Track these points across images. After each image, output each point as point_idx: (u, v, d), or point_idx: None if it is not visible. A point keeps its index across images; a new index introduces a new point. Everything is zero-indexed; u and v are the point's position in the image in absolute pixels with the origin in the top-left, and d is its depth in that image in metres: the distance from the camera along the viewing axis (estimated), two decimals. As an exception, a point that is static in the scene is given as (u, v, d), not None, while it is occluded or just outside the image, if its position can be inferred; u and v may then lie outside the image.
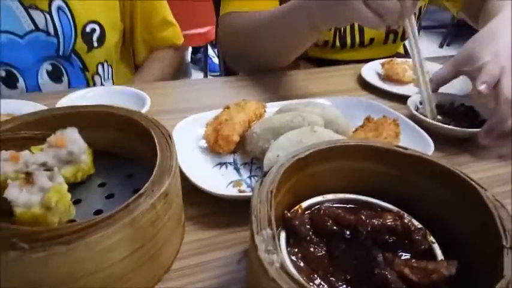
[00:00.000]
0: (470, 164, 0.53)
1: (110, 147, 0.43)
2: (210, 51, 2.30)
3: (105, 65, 0.82)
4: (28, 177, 0.35)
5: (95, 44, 0.77)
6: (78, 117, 0.42)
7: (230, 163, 0.49)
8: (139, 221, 0.30)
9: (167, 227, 0.34)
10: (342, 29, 0.90)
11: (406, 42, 0.93)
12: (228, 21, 0.81)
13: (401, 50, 1.05)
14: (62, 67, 0.76)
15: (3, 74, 0.71)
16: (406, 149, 0.38)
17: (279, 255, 0.27)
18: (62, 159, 0.39)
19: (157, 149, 0.36)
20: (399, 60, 0.75)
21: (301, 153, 0.36)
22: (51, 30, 0.72)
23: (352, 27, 0.90)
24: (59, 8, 0.72)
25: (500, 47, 0.56)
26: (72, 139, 0.41)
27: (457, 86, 0.64)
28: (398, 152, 0.38)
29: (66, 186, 0.36)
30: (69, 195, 0.36)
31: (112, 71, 0.84)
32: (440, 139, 0.53)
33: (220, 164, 0.49)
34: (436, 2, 0.95)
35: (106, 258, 0.29)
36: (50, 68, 0.75)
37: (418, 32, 0.61)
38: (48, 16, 0.71)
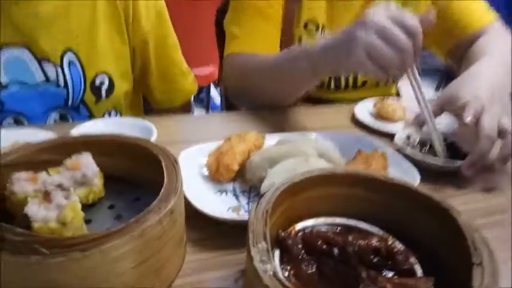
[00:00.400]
0: (456, 196, 0.56)
1: (120, 172, 0.47)
2: (213, 91, 2.38)
3: (113, 112, 0.84)
4: (46, 196, 0.39)
5: (104, 95, 0.80)
6: (92, 144, 0.46)
7: (230, 190, 0.52)
8: (147, 234, 0.33)
9: (171, 243, 0.37)
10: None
11: (411, 90, 0.99)
12: (232, 61, 0.87)
13: (393, 92, 1.10)
14: (69, 117, 0.79)
15: (12, 121, 0.74)
16: (390, 178, 0.42)
17: (272, 264, 0.30)
18: (77, 181, 0.43)
19: (164, 172, 0.40)
20: (390, 99, 0.80)
21: (295, 178, 0.40)
22: (62, 82, 0.75)
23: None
24: (70, 61, 0.75)
25: (480, 89, 0.61)
26: (86, 163, 0.44)
27: (443, 123, 0.68)
28: (382, 180, 0.41)
29: (80, 205, 0.39)
30: (82, 213, 0.39)
31: (120, 116, 0.86)
32: (429, 172, 0.57)
33: (221, 191, 0.52)
34: (428, 48, 1.01)
35: (116, 266, 0.32)
36: (57, 117, 0.78)
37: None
38: (59, 69, 0.74)
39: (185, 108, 0.96)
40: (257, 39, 0.86)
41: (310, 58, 0.69)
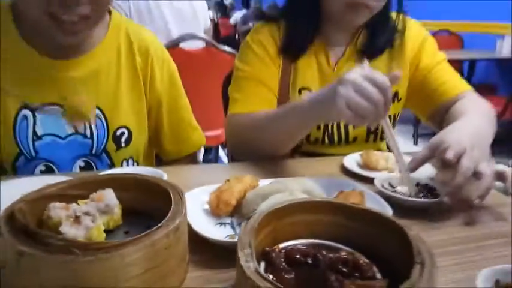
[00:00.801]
0: (435, 230, 0.64)
1: (135, 204, 0.56)
2: (220, 152, 2.51)
3: (130, 161, 0.95)
4: (76, 219, 0.48)
5: (123, 145, 0.91)
6: (113, 181, 0.56)
7: (228, 223, 0.61)
8: (156, 244, 0.42)
9: (176, 256, 0.45)
10: (330, 129, 1.06)
11: (386, 138, 1.09)
12: (233, 120, 1.00)
13: (383, 148, 1.20)
14: (92, 163, 0.90)
15: (43, 168, 0.85)
16: (359, 206, 0.50)
17: (254, 263, 0.38)
18: (100, 210, 0.52)
19: (172, 200, 0.49)
20: (375, 151, 0.90)
21: (279, 205, 0.49)
22: (88, 134, 0.87)
23: (338, 127, 1.07)
24: (96, 116, 0.87)
25: (462, 136, 0.70)
26: (108, 197, 0.54)
27: (429, 171, 0.77)
28: (353, 208, 0.50)
29: (103, 227, 0.48)
30: (104, 234, 0.48)
31: (136, 165, 0.97)
32: (411, 212, 0.66)
33: (220, 224, 0.61)
34: (409, 108, 1.13)
35: (130, 270, 0.40)
36: (82, 164, 0.89)
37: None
38: (87, 122, 0.87)
39: (192, 161, 1.07)
40: (255, 101, 0.99)
41: (300, 111, 0.82)
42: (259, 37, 1.04)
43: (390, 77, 0.71)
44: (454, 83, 1.03)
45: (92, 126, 0.87)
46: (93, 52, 0.87)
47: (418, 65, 1.05)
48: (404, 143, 3.55)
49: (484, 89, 3.29)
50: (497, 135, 0.82)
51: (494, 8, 3.91)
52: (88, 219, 0.48)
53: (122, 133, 0.90)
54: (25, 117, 0.82)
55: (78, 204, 0.52)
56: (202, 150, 2.51)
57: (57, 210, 0.50)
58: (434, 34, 4.22)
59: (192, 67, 1.94)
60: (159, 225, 0.44)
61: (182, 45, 1.87)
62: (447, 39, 4.26)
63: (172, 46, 1.80)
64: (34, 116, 0.83)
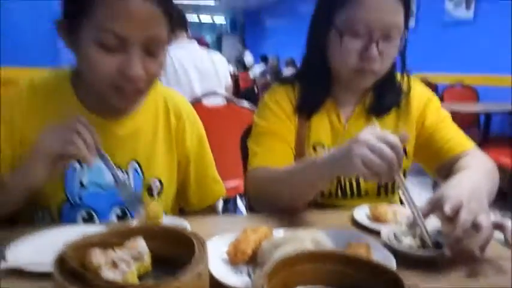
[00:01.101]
0: (438, 280, 0.68)
1: (163, 252, 0.63)
2: (239, 202, 2.57)
3: None
4: (114, 265, 0.55)
5: (155, 195, 1.01)
6: (144, 231, 0.64)
7: (245, 271, 0.67)
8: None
9: (199, 298, 0.52)
10: (343, 183, 1.13)
11: (400, 192, 1.14)
12: (253, 174, 1.08)
13: (395, 201, 1.25)
14: (128, 211, 0.99)
15: (85, 214, 0.95)
16: (362, 257, 0.56)
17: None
18: (133, 257, 0.59)
19: (196, 248, 0.56)
20: (383, 204, 0.95)
21: (290, 254, 0.55)
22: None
23: (350, 181, 1.14)
24: (134, 168, 0.98)
25: (462, 191, 0.76)
26: (140, 245, 0.61)
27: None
28: (358, 259, 0.56)
29: (136, 272, 0.55)
30: (137, 279, 0.55)
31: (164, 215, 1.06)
32: (415, 262, 0.70)
33: (238, 272, 0.67)
34: (417, 163, 1.19)
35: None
36: (119, 212, 0.99)
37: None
38: (125, 174, 0.97)
39: (213, 211, 1.16)
40: (274, 156, 1.07)
41: (318, 168, 0.90)
42: (276, 97, 1.15)
43: (401, 137, 0.78)
44: (458, 140, 1.10)
45: (130, 177, 0.98)
46: (136, 113, 0.99)
47: (424, 123, 1.13)
48: (422, 195, 3.56)
49: (500, 141, 3.32)
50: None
51: (507, 61, 4.01)
52: (124, 264, 0.55)
53: (155, 184, 1.00)
54: (74, 168, 0.93)
55: (115, 251, 0.60)
56: (221, 201, 2.59)
57: (98, 256, 0.57)
58: (450, 87, 4.33)
59: (213, 121, 2.06)
60: (184, 271, 0.50)
61: (204, 101, 2.01)
62: (462, 92, 4.35)
63: (196, 102, 1.94)
64: (82, 168, 0.94)
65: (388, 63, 1.04)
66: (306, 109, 1.13)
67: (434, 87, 4.56)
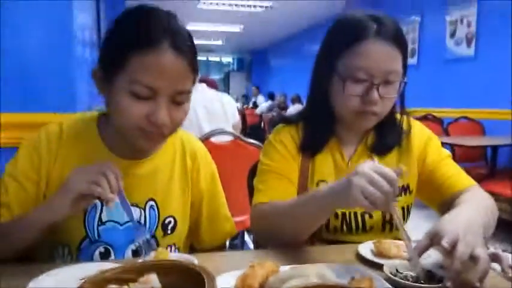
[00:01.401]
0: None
1: (175, 286, 0.67)
2: (246, 237, 2.58)
3: (173, 247, 1.08)
4: (129, 298, 0.59)
5: (169, 232, 1.05)
6: (156, 267, 0.67)
7: (252, 306, 0.70)
8: (194, 319, 0.52)
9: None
10: (348, 218, 1.16)
11: (394, 223, 1.16)
12: (257, 209, 1.12)
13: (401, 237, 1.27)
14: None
15: (102, 250, 0.99)
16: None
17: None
18: (147, 292, 0.63)
19: (206, 283, 0.59)
20: (387, 240, 0.98)
21: (298, 287, 0.58)
22: (142, 221, 1.01)
23: (355, 216, 1.16)
24: (151, 206, 1.03)
25: (458, 225, 0.80)
26: (153, 280, 0.65)
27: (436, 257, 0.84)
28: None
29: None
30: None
31: (177, 251, 1.09)
32: None
33: (245, 305, 0.69)
34: (420, 199, 1.22)
35: None
36: (134, 247, 1.02)
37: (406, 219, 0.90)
38: (142, 211, 1.01)
39: (221, 247, 1.19)
40: (277, 193, 1.12)
41: (319, 199, 0.94)
42: (280, 137, 1.20)
43: (396, 171, 0.84)
44: (459, 177, 1.14)
45: (147, 215, 1.02)
46: (155, 155, 1.05)
47: (425, 160, 1.17)
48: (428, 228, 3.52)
49: (507, 173, 3.32)
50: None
51: (508, 95, 4.07)
52: (139, 299, 0.59)
53: (169, 221, 1.05)
54: (95, 205, 0.98)
55: (129, 286, 0.63)
56: (229, 236, 2.60)
57: (114, 291, 0.61)
58: (454, 121, 4.38)
59: (221, 157, 2.12)
60: (196, 303, 0.54)
61: (212, 139, 2.07)
62: (468, 126, 4.38)
63: (204, 139, 2.00)
64: (102, 205, 0.98)
65: (389, 106, 1.10)
66: (310, 148, 1.18)
67: (439, 122, 4.61)
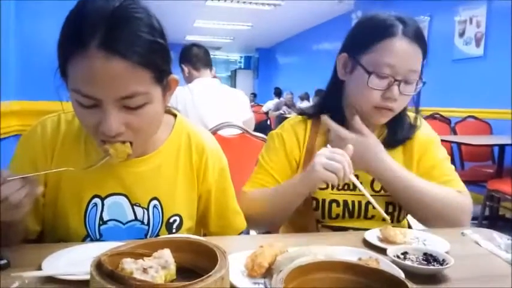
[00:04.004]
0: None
1: (187, 262, 0.69)
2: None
3: None
4: (144, 270, 0.61)
5: (174, 231, 1.01)
6: (170, 243, 0.70)
7: (261, 283, 0.72)
8: (207, 288, 0.54)
9: (221, 301, 0.57)
10: (351, 206, 1.18)
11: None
12: (245, 196, 1.19)
13: (405, 225, 1.29)
14: None
15: None
16: (370, 266, 0.61)
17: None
18: (161, 266, 0.65)
19: (218, 257, 0.62)
20: (392, 227, 1.00)
21: (303, 263, 0.61)
22: (145, 221, 0.98)
23: (360, 204, 1.19)
24: (154, 205, 0.99)
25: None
26: (167, 255, 0.67)
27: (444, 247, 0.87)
28: (365, 267, 0.61)
29: (163, 278, 0.61)
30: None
31: None
32: (424, 280, 0.75)
33: (255, 283, 0.72)
34: None
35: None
36: None
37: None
38: (146, 211, 0.98)
39: None
40: (259, 186, 1.22)
41: (294, 183, 1.11)
42: (283, 134, 1.25)
43: (345, 149, 1.04)
44: (453, 179, 1.19)
45: (150, 214, 0.99)
46: (157, 151, 1.00)
47: (419, 163, 1.22)
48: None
49: (514, 173, 3.31)
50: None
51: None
52: (153, 271, 0.61)
53: (174, 220, 1.01)
54: (95, 204, 0.96)
55: (144, 260, 0.66)
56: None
57: (129, 263, 0.63)
58: (462, 120, 4.37)
59: (229, 150, 2.15)
60: (209, 274, 0.56)
61: (220, 132, 2.09)
62: (475, 125, 4.37)
63: (212, 133, 2.02)
64: (102, 204, 0.96)
65: (405, 103, 1.15)
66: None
67: (447, 121, 4.60)
